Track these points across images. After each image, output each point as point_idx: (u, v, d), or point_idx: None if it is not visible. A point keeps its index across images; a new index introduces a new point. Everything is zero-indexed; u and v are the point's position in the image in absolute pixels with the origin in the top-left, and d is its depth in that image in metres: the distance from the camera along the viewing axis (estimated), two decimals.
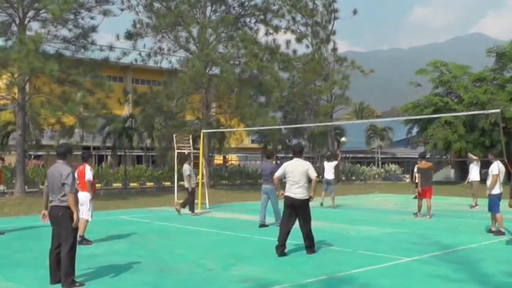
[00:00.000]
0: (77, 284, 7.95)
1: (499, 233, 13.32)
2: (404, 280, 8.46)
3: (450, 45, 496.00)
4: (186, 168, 18.51)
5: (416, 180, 18.28)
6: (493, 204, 13.28)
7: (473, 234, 13.32)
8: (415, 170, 18.15)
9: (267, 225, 14.95)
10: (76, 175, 11.64)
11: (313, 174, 10.56)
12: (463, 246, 11.63)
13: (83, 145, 39.11)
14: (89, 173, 11.87)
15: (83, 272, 8.71)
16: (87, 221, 11.89)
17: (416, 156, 40.73)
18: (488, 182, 13.36)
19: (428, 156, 35.33)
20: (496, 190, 13.16)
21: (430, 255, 10.52)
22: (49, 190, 8.18)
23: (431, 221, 16.44)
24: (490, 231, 13.58)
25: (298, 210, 10.50)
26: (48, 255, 8.22)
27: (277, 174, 10.89)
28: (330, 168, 21.97)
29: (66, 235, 8.00)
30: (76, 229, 8.23)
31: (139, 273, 8.78)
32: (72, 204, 8.00)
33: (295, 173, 10.50)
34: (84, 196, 11.72)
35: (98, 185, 28.50)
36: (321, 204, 21.47)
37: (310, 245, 10.61)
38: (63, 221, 8.01)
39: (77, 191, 8.76)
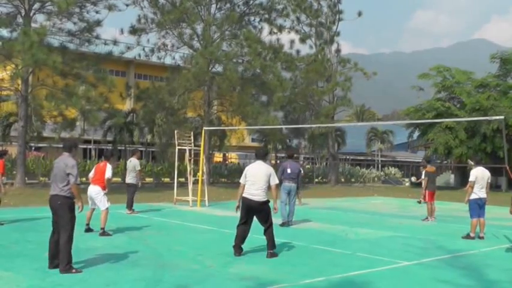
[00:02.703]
0: (74, 271, 8.28)
1: (468, 237, 13.44)
2: (403, 283, 8.49)
3: (453, 51, 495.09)
4: (137, 162, 18.34)
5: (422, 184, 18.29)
6: (469, 209, 13.48)
7: (473, 240, 13.25)
8: (423, 173, 18.17)
9: (288, 224, 14.99)
10: (93, 170, 12.63)
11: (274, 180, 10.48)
12: (463, 252, 11.63)
13: (84, 138, 39.09)
14: (109, 171, 12.45)
15: (81, 266, 8.72)
16: (107, 212, 12.31)
17: (418, 161, 40.59)
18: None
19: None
20: (473, 195, 13.23)
21: (429, 259, 10.52)
22: (52, 180, 8.62)
23: (430, 226, 16.45)
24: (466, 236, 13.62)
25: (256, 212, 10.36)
26: (47, 244, 8.52)
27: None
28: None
29: (63, 224, 8.38)
30: (73, 218, 8.52)
31: (137, 268, 8.78)
32: (77, 193, 8.47)
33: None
34: (96, 190, 12.26)
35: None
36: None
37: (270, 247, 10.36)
38: (62, 210, 8.40)
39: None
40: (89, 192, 12.42)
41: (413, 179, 26.38)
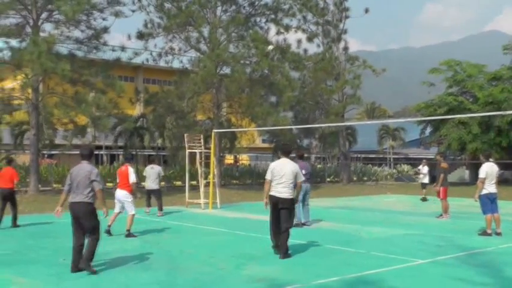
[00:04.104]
0: (92, 269, 8.66)
1: (484, 233, 13.34)
2: (419, 282, 8.41)
3: (464, 44, 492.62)
4: (160, 169, 19.15)
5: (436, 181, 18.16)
6: (481, 205, 13.33)
7: (490, 237, 13.09)
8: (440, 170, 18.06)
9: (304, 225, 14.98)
10: (117, 174, 13.07)
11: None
12: (479, 249, 11.50)
13: (95, 144, 39.25)
14: (133, 175, 12.85)
15: (95, 270, 8.77)
16: (133, 215, 12.84)
17: (431, 157, 40.27)
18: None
19: None
20: (483, 191, 13.13)
21: (445, 257, 10.43)
22: (72, 188, 8.87)
23: (445, 223, 16.33)
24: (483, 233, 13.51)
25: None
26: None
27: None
28: None
29: (91, 228, 8.84)
30: (98, 222, 9.02)
31: (150, 271, 8.81)
32: (103, 199, 8.91)
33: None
34: (124, 194, 12.76)
35: (109, 184, 28.70)
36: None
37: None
38: (88, 216, 8.81)
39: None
40: (116, 196, 12.94)
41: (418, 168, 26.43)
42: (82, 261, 8.67)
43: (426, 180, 26.39)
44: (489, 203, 13.18)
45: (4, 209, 14.73)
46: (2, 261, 9.73)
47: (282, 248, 10.15)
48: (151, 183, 18.33)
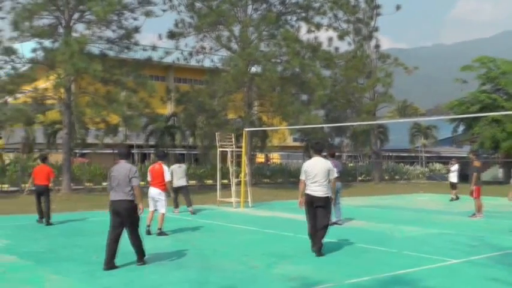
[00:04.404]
0: (143, 261, 9.27)
1: None
2: (452, 282, 8.26)
3: (498, 40, 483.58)
4: (185, 167, 19.34)
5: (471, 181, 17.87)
6: None
7: None
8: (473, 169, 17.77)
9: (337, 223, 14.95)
10: (149, 173, 13.14)
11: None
12: None
13: (127, 143, 39.64)
14: (168, 173, 13.00)
15: (127, 268, 8.86)
16: (163, 214, 12.91)
17: (463, 155, 39.62)
18: None
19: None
20: None
21: (478, 257, 10.24)
22: (114, 186, 9.19)
23: (478, 223, 16.06)
24: None
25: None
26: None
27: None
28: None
29: (132, 224, 9.17)
30: (138, 218, 9.34)
31: (182, 270, 8.83)
32: (140, 196, 9.21)
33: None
34: (157, 192, 12.83)
35: (141, 183, 28.90)
36: None
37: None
38: (130, 212, 9.11)
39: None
40: (150, 194, 12.97)
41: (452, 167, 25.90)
42: (137, 261, 9.20)
43: (455, 179, 25.76)
44: None
45: (41, 205, 14.98)
46: (36, 258, 9.88)
47: (317, 245, 10.16)
48: (178, 181, 18.39)
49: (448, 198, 25.39)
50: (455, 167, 26.00)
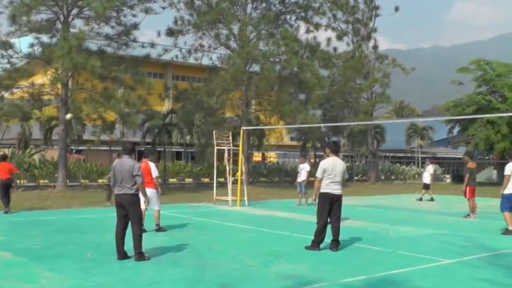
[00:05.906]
0: (146, 258, 9.40)
1: (508, 232, 13.23)
2: (445, 282, 8.30)
3: (494, 43, 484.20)
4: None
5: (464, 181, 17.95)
6: (501, 203, 13.40)
7: None
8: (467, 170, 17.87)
9: None
10: None
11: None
12: (506, 249, 11.36)
13: (123, 140, 39.58)
14: (155, 169, 12.94)
15: (123, 265, 8.85)
16: (158, 210, 13.11)
17: (459, 157, 39.67)
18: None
19: None
20: (508, 190, 13.18)
21: (471, 257, 10.31)
22: (117, 181, 9.49)
23: (472, 223, 16.15)
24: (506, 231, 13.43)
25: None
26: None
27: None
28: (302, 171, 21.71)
29: (136, 217, 9.49)
30: (141, 212, 9.86)
31: (178, 268, 8.83)
32: (144, 191, 9.77)
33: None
34: (150, 192, 12.47)
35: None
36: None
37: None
38: (134, 206, 9.47)
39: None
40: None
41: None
42: (135, 254, 9.37)
43: (428, 180, 25.82)
44: (509, 202, 13.23)
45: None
46: (31, 255, 9.84)
47: (335, 235, 10.71)
48: None
49: (444, 198, 25.49)
50: (429, 168, 26.20)
